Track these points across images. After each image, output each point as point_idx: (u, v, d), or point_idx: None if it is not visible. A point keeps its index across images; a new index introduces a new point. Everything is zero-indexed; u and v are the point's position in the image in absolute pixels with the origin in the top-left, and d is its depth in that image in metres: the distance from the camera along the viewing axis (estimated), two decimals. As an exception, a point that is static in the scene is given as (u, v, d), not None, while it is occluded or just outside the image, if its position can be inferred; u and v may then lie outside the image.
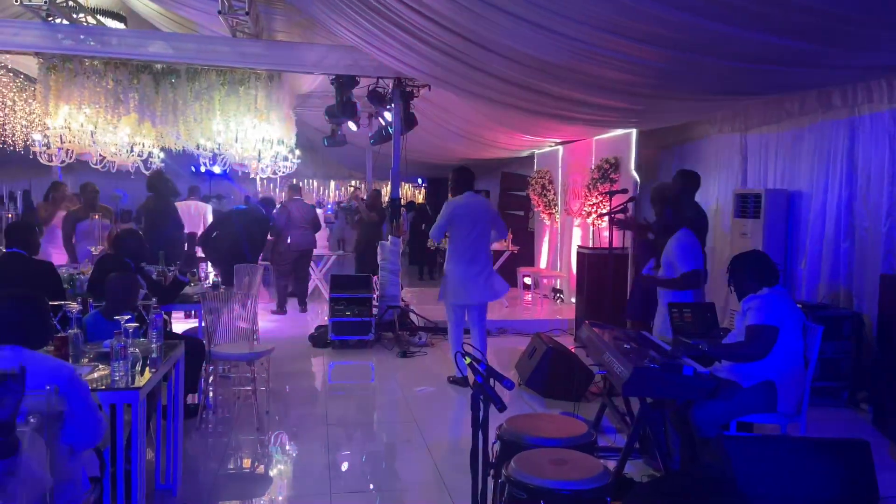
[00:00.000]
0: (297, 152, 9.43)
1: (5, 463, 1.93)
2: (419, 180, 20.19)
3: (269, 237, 9.00)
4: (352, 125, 9.11)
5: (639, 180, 8.00)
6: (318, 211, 11.17)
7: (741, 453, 2.93)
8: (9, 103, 9.91)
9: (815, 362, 3.71)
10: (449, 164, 14.97)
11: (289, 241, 9.09)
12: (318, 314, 9.22)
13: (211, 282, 5.94)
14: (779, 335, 3.56)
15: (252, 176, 9.60)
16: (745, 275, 3.78)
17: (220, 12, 6.70)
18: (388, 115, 8.72)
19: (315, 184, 19.97)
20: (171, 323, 6.02)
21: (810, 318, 3.99)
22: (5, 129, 10.22)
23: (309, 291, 9.89)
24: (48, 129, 7.94)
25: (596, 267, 7.46)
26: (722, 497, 2.71)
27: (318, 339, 7.52)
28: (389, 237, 8.30)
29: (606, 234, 6.04)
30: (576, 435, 2.98)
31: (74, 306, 3.51)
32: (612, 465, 3.45)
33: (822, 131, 5.87)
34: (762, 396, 3.58)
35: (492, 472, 2.72)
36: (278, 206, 9.74)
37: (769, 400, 3.58)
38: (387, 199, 10.81)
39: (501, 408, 2.44)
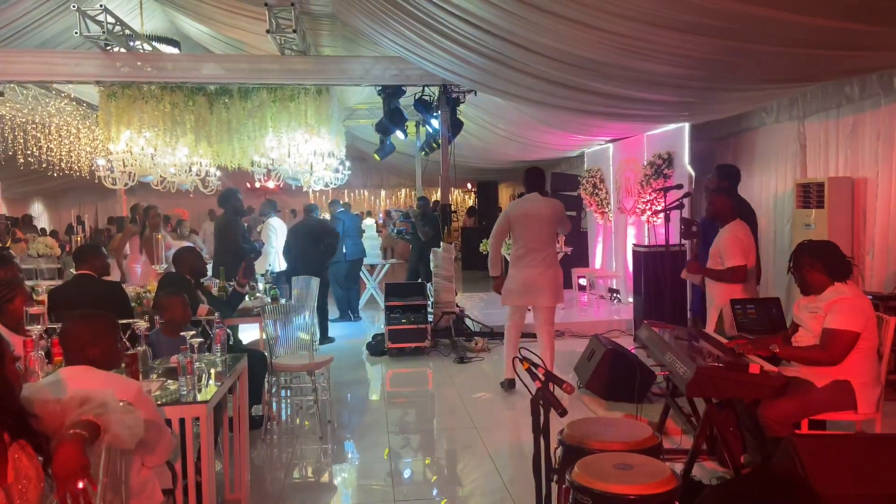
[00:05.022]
0: (347, 163, 9.57)
1: None
2: (469, 185, 20.21)
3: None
4: (399, 134, 9.19)
5: (693, 174, 7.82)
6: (369, 221, 11.37)
7: (815, 452, 2.82)
8: (73, 131, 10.38)
9: (888, 355, 3.54)
10: (498, 168, 14.98)
11: (344, 250, 9.21)
12: (376, 322, 9.32)
13: (270, 296, 6.06)
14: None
15: (305, 189, 9.78)
16: (827, 268, 3.50)
17: (268, 31, 6.88)
18: (435, 123, 8.76)
19: (366, 193, 20.20)
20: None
21: (880, 308, 3.82)
22: (71, 156, 10.71)
23: (364, 300, 9.99)
24: (111, 153, 8.26)
25: (653, 265, 7.32)
26: (796, 498, 2.61)
27: (375, 348, 7.59)
28: (442, 243, 8.32)
29: (663, 231, 5.92)
30: (640, 438, 2.92)
31: (142, 324, 3.62)
32: (678, 467, 3.37)
33: (886, 115, 5.64)
34: (837, 395, 3.42)
35: (555, 477, 2.69)
36: (330, 217, 9.86)
37: (846, 398, 3.41)
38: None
39: (562, 412, 2.41)
